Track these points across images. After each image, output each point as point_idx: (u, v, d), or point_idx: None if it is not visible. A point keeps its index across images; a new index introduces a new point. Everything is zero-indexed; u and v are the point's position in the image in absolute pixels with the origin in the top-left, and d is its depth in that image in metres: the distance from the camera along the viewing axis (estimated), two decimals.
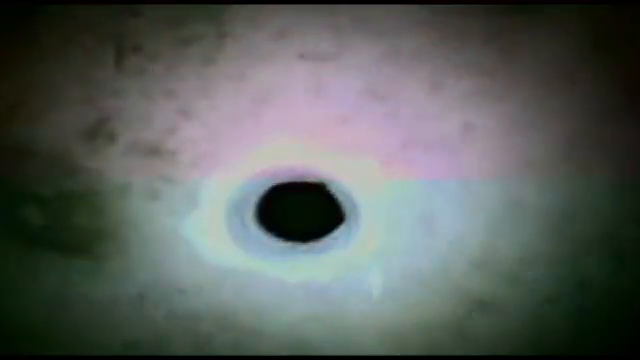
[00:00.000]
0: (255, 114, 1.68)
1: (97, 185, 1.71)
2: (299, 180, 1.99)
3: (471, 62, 1.59)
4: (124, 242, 1.77)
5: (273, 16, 1.57)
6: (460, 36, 1.57)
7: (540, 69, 1.57)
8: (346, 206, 1.89)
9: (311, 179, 1.91)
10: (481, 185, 1.76)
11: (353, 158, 1.75)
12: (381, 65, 1.59)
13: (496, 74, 1.56)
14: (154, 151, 1.69)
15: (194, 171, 1.73)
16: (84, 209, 1.72)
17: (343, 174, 1.77)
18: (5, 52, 1.55)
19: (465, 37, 1.57)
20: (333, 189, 1.85)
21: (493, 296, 1.76)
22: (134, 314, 1.79)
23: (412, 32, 1.56)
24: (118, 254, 1.77)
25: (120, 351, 1.77)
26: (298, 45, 1.59)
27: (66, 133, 1.64)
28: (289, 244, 2.06)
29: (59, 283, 1.77)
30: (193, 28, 1.56)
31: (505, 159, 1.69)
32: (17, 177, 1.65)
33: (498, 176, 1.70)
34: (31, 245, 1.73)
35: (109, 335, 1.81)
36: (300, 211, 2.51)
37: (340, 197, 1.88)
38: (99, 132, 1.66)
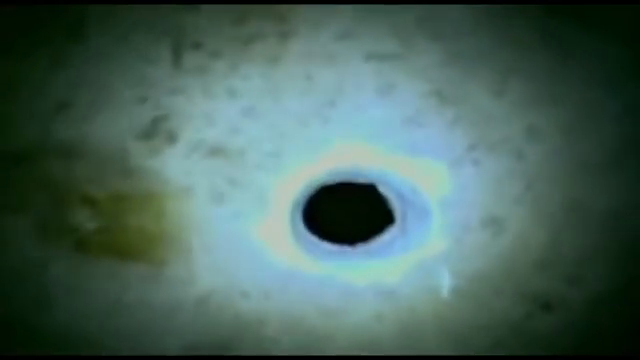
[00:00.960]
0: (321, 114, 1.64)
1: (156, 186, 1.63)
2: (362, 181, 1.94)
3: (530, 64, 1.58)
4: (186, 247, 1.70)
5: (337, 16, 1.53)
6: (519, 38, 1.56)
7: (598, 70, 1.56)
8: (415, 207, 1.88)
9: (372, 180, 1.90)
10: (543, 186, 1.74)
11: (419, 160, 1.73)
12: (444, 67, 1.58)
13: (554, 76, 1.58)
14: (218, 151, 1.63)
15: (259, 172, 1.67)
16: (143, 212, 1.65)
17: (410, 176, 1.75)
18: (55, 50, 1.49)
19: (524, 39, 1.56)
20: (395, 190, 1.84)
21: (556, 296, 1.75)
22: (196, 319, 1.73)
23: (473, 34, 1.55)
24: (180, 259, 1.71)
25: (179, 353, 1.67)
26: (364, 46, 1.56)
27: (121, 132, 1.57)
28: (350, 248, 2.02)
29: (116, 289, 1.71)
30: (256, 26, 1.50)
31: (565, 161, 1.69)
32: (68, 178, 1.58)
33: (559, 177, 1.69)
34: (85, 250, 1.67)
35: (169, 340, 1.75)
36: (359, 213, 2.46)
37: (409, 198, 1.87)
38: (157, 131, 1.59)
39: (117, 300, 1.68)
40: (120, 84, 1.52)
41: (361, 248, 2.05)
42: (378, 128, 1.62)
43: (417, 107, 1.57)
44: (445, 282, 1.75)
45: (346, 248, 2.17)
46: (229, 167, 1.62)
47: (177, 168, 1.60)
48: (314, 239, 2.04)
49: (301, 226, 1.94)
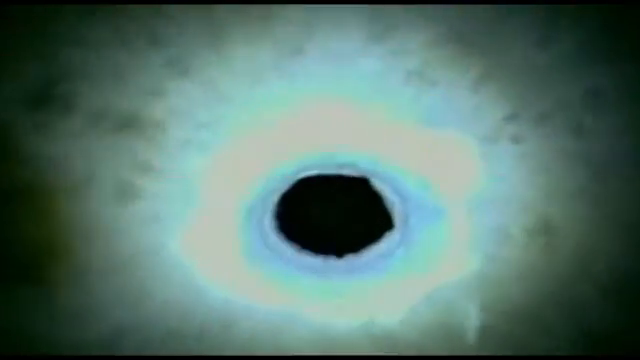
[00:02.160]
0: (282, 68, 1.25)
1: (42, 178, 1.25)
2: (348, 173, 1.66)
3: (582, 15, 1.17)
4: (82, 264, 1.32)
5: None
6: None
7: None
8: (423, 208, 1.51)
9: (362, 171, 1.61)
10: (615, 175, 1.32)
11: (430, 136, 1.38)
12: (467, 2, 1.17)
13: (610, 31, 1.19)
14: (128, 124, 1.26)
15: (188, 154, 1.33)
16: (23, 215, 1.29)
17: (416, 161, 1.43)
18: None
19: None
20: (394, 184, 1.58)
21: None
22: None
23: None
24: (75, 282, 1.32)
25: None
26: None
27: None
28: (334, 261, 1.76)
29: None
30: None
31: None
32: None
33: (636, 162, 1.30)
34: None
35: None
36: (344, 216, 2.09)
37: (415, 195, 1.52)
38: (48, 98, 1.21)
39: None
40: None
41: (348, 262, 1.72)
42: (369, 87, 1.28)
43: (425, 57, 1.20)
44: (471, 321, 1.33)
45: (329, 261, 1.85)
46: (143, 147, 1.28)
47: (72, 150, 1.24)
48: (284, 249, 1.80)
49: (255, 234, 1.65)
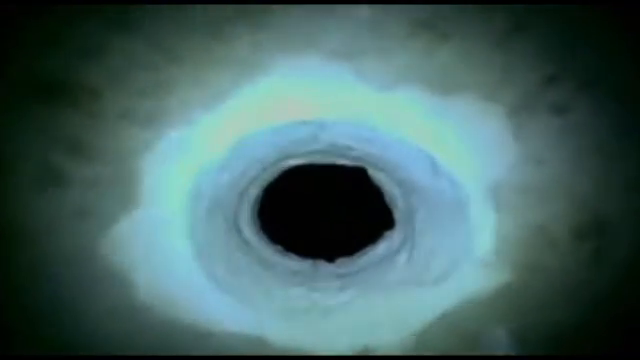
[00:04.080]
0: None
1: None
2: (341, 162, 1.35)
3: None
4: None
5: None
6: None
7: None
8: (431, 199, 1.20)
9: (357, 158, 1.31)
10: None
11: (440, 103, 1.06)
12: None
13: None
14: (52, 90, 1.03)
15: (126, 127, 1.07)
16: None
17: (422, 137, 1.10)
18: None
19: None
20: (395, 171, 1.30)
21: None
22: None
23: None
24: None
25: None
26: None
27: None
28: (324, 265, 1.48)
29: None
30: None
31: None
32: None
33: None
34: None
35: None
36: (337, 213, 1.82)
37: (421, 183, 1.20)
38: None
39: None
40: None
41: (339, 267, 1.44)
42: (363, 40, 1.01)
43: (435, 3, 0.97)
44: (498, 350, 0.96)
45: (318, 266, 1.59)
46: (72, 120, 1.02)
47: None
48: (263, 252, 1.51)
49: (227, 234, 1.37)
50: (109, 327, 1.11)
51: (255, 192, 1.90)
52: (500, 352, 0.97)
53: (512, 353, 0.97)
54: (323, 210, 2.07)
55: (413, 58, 1.06)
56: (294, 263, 1.77)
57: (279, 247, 1.91)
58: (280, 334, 1.27)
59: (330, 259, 1.74)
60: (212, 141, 1.14)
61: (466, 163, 1.10)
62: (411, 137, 1.16)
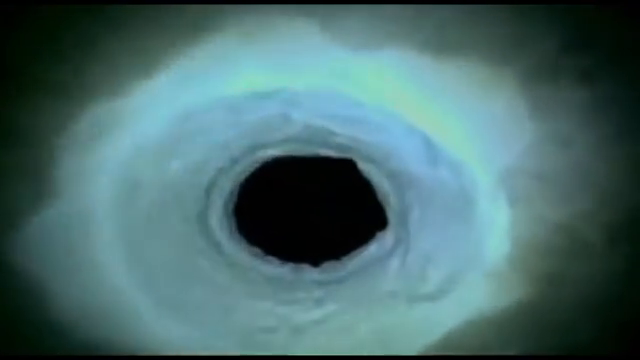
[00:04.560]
0: None
1: None
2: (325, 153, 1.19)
3: None
4: None
5: None
6: None
7: None
8: (429, 192, 1.01)
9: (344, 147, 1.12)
10: None
11: (457, 68, 0.84)
12: None
13: None
14: None
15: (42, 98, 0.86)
16: None
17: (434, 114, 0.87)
18: None
19: None
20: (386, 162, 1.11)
21: None
22: None
23: None
24: None
25: None
26: None
27: None
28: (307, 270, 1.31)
29: None
30: None
31: None
32: None
33: None
34: None
35: None
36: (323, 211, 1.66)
37: (417, 173, 1.01)
38: None
39: None
40: None
41: (325, 273, 1.24)
42: None
43: None
44: None
45: (300, 271, 1.43)
46: None
47: None
48: (233, 255, 1.33)
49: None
50: (17, 349, 0.86)
51: (228, 187, 1.68)
52: None
53: None
54: (308, 208, 1.87)
55: (403, 10, 0.85)
56: (272, 268, 1.63)
57: (257, 250, 1.77)
58: None
59: (315, 263, 1.61)
60: (150, 117, 0.89)
61: (470, 146, 0.86)
62: (402, 114, 0.91)
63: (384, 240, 1.53)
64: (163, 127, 0.95)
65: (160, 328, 0.97)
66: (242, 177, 1.75)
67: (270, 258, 1.74)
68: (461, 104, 0.89)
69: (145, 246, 1.03)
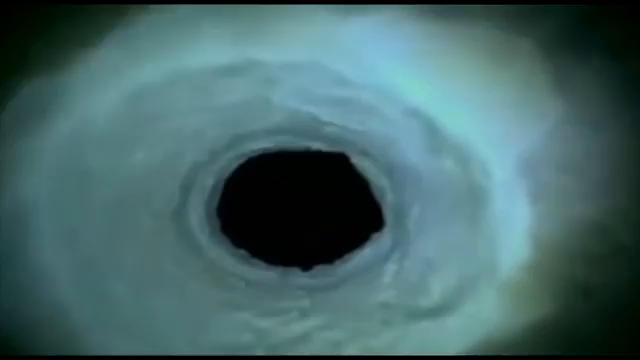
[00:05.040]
0: None
1: None
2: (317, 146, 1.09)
3: None
4: None
5: None
6: None
7: None
8: (432, 188, 0.85)
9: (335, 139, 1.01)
10: None
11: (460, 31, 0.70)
12: None
13: None
14: None
15: None
16: None
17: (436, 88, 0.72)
18: None
19: None
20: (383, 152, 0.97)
21: None
22: None
23: None
24: None
25: None
26: None
27: None
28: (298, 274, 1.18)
29: None
30: None
31: None
32: None
33: None
34: None
35: None
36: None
37: (417, 166, 0.86)
38: None
39: None
40: None
41: (315, 278, 1.12)
42: None
43: None
44: None
45: (289, 276, 1.32)
46: None
47: None
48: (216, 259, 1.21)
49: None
50: None
51: (209, 183, 1.53)
52: None
53: None
54: (297, 207, 1.73)
55: None
56: (257, 273, 1.48)
57: (243, 252, 1.60)
58: None
59: (305, 267, 1.49)
60: (97, 95, 0.73)
61: (481, 131, 0.67)
62: (400, 93, 0.74)
63: (380, 242, 1.39)
64: (114, 108, 0.79)
65: (113, 347, 0.81)
66: (225, 173, 1.60)
67: (256, 261, 1.61)
68: (470, 80, 0.73)
69: (97, 249, 0.87)
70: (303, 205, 1.84)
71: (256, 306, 1.11)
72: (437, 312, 0.79)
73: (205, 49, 0.74)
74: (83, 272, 0.81)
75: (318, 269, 1.53)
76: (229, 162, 1.54)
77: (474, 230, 0.80)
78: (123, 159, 0.93)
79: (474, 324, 0.73)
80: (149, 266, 1.03)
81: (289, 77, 0.83)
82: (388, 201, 1.40)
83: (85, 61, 0.73)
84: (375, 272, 1.23)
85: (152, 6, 0.70)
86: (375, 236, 1.46)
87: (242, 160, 1.59)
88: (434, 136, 0.82)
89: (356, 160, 1.47)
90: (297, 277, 1.51)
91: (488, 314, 0.72)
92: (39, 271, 0.76)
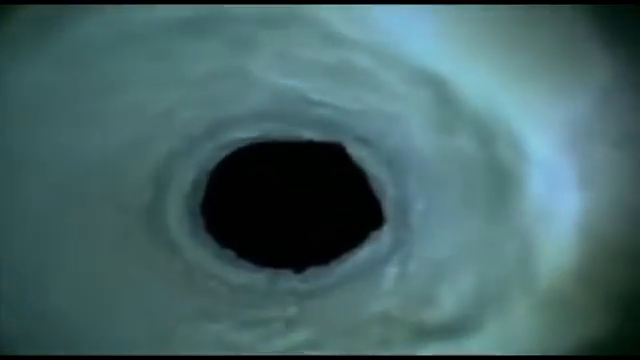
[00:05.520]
0: None
1: None
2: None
3: None
4: None
5: None
6: None
7: None
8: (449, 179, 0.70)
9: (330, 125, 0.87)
10: None
11: None
12: None
13: None
14: None
15: None
16: None
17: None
18: None
19: None
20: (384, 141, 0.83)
21: None
22: None
23: None
24: None
25: None
26: None
27: None
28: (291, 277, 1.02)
29: None
30: None
31: None
32: None
33: None
34: None
35: None
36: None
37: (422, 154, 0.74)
38: None
39: None
40: None
41: (309, 280, 0.99)
42: None
43: None
44: None
45: (278, 279, 1.18)
46: None
47: None
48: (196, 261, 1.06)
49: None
50: None
51: (189, 177, 1.39)
52: None
53: None
54: (291, 203, 1.57)
55: None
56: (243, 275, 1.32)
57: (229, 252, 1.44)
58: None
59: (299, 269, 1.35)
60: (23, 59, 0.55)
61: (513, 97, 0.50)
62: (405, 53, 0.57)
63: (380, 241, 1.22)
64: (48, 74, 0.62)
65: None
66: (207, 165, 1.45)
67: (243, 262, 1.48)
68: (496, 33, 0.55)
69: (34, 253, 0.70)
70: (294, 201, 1.70)
71: (236, 315, 0.94)
72: (449, 330, 0.61)
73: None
74: (15, 282, 0.64)
75: (311, 271, 1.39)
76: (210, 152, 1.39)
77: (497, 224, 0.63)
78: (70, 141, 0.76)
79: (499, 345, 0.55)
80: (109, 269, 0.86)
81: (267, 37, 0.66)
82: (388, 193, 1.25)
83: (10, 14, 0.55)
84: (374, 276, 1.07)
85: None
86: (375, 234, 1.32)
87: (226, 152, 1.44)
88: (446, 107, 0.64)
89: (352, 150, 1.31)
90: (287, 280, 1.37)
91: (517, 333, 0.54)
92: None
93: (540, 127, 0.56)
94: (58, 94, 0.67)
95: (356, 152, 1.32)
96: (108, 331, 0.78)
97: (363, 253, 1.29)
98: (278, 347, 0.81)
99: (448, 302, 0.68)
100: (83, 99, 0.71)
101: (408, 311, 0.74)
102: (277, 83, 0.87)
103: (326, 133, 1.27)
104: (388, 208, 1.22)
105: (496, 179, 0.61)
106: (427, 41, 0.58)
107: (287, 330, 0.87)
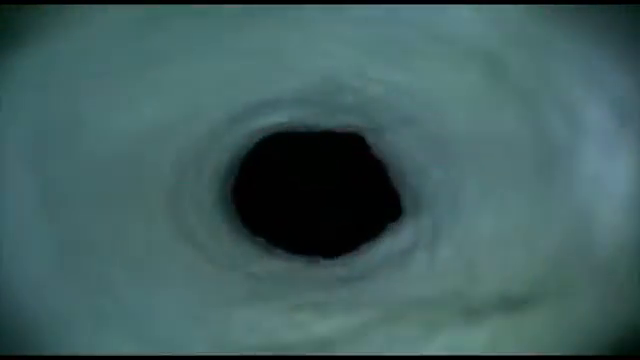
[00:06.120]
0: None
1: None
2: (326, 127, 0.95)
3: None
4: None
5: None
6: None
7: None
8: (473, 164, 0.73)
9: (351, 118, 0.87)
10: None
11: None
12: None
13: None
14: None
15: None
16: None
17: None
18: None
19: None
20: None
21: None
22: None
23: None
24: None
25: None
26: None
27: None
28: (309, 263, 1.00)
29: None
30: None
31: None
32: None
33: None
34: None
35: None
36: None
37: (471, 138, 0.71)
38: None
39: None
40: None
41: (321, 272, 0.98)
42: None
43: None
44: None
45: (313, 268, 1.17)
46: None
47: None
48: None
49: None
50: None
51: (224, 158, 1.40)
52: None
53: None
54: (318, 192, 1.53)
55: None
56: (277, 264, 1.31)
57: (260, 240, 1.44)
58: None
59: (331, 256, 1.33)
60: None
61: (566, 61, 0.48)
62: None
63: (398, 235, 1.20)
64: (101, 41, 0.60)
65: (100, 345, 0.64)
66: (242, 150, 1.45)
67: (276, 250, 1.40)
68: None
69: (89, 224, 0.69)
70: (321, 189, 1.70)
71: (287, 298, 0.93)
72: (505, 307, 0.59)
73: None
74: (71, 252, 0.63)
75: (347, 257, 1.39)
76: (243, 138, 1.38)
77: (545, 202, 0.61)
78: (125, 112, 0.74)
79: (559, 320, 0.53)
80: (138, 256, 0.85)
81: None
82: (408, 185, 1.22)
83: None
84: (417, 260, 1.05)
85: None
86: (391, 227, 1.26)
87: (257, 133, 1.43)
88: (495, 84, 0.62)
89: (372, 139, 1.28)
90: (326, 267, 1.37)
91: (578, 307, 0.52)
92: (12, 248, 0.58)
93: (597, 95, 0.53)
94: (120, 57, 0.65)
95: (376, 141, 1.29)
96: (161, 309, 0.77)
97: (402, 237, 1.27)
98: (334, 326, 0.80)
99: (496, 281, 0.66)
100: (141, 67, 0.69)
101: (455, 293, 0.73)
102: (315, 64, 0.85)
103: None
104: (408, 199, 1.18)
105: (543, 153, 0.59)
106: (474, 16, 0.56)
107: (344, 310, 0.85)
